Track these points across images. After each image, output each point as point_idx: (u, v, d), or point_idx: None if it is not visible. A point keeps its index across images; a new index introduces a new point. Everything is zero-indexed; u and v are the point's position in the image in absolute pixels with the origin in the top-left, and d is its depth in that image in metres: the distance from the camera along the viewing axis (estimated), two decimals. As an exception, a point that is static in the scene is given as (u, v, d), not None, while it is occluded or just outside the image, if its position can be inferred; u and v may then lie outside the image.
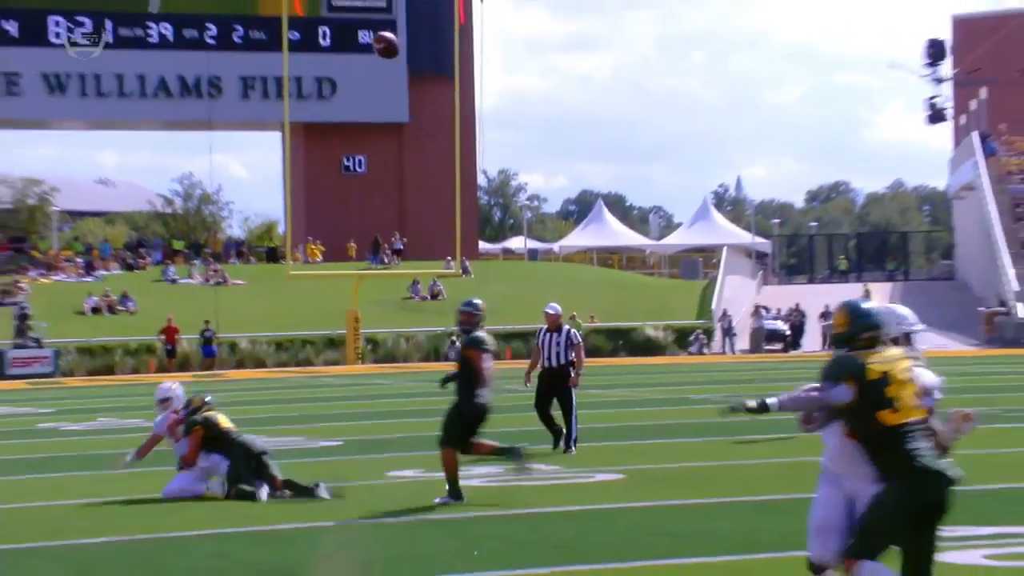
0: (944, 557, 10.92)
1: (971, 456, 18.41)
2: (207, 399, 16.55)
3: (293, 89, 64.34)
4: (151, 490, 16.09)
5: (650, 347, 59.92)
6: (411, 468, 18.47)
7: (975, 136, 73.45)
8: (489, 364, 15.23)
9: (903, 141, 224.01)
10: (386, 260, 70.83)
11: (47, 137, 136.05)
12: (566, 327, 20.39)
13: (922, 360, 7.89)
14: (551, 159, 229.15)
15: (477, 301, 15.61)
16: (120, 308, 60.06)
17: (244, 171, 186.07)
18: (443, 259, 65.70)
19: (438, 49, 69.42)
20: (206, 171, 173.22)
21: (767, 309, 64.35)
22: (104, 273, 67.38)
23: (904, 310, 8.21)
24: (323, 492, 15.49)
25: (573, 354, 20.04)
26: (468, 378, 15.29)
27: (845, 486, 7.65)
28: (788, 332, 60.74)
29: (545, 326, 20.32)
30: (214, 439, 16.01)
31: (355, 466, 18.92)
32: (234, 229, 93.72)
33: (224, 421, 16.26)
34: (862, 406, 7.37)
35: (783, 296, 70.17)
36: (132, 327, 57.31)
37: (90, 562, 12.19)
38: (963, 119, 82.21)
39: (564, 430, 19.62)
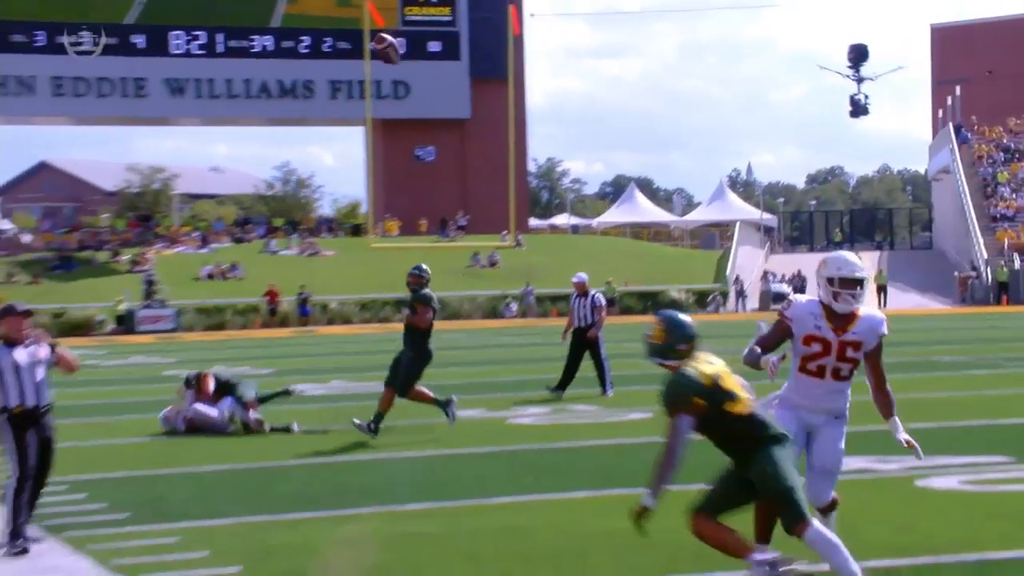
0: (925, 483, 10.88)
1: (949, 398, 18.32)
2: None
3: (374, 91, 64.35)
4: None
5: (674, 307, 59.78)
6: (472, 408, 18.51)
7: (950, 127, 73.52)
8: (430, 316, 15.58)
9: (889, 132, 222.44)
10: (451, 234, 70.93)
11: (169, 132, 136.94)
12: (592, 292, 20.56)
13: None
14: (590, 149, 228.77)
15: (424, 266, 16.04)
16: (230, 275, 60.39)
17: (332, 160, 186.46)
18: (499, 233, 65.79)
19: (495, 56, 69.40)
20: (301, 160, 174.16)
21: (774, 274, 64.31)
22: (216, 246, 67.73)
23: (852, 256, 7.57)
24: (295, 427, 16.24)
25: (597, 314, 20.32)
26: (416, 330, 15.60)
27: (802, 417, 7.51)
28: (790, 296, 60.48)
29: (576, 292, 20.59)
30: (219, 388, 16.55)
31: (417, 408, 18.95)
32: (324, 208, 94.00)
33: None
34: (713, 411, 6.88)
35: (787, 263, 70.02)
36: (240, 291, 57.66)
37: (209, 485, 12.31)
38: (940, 113, 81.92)
39: (597, 376, 19.79)
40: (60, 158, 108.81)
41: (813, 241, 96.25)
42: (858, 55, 55.16)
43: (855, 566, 6.83)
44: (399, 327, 16.45)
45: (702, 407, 6.85)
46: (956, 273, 63.65)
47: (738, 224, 76.71)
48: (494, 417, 17.42)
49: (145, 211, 78.51)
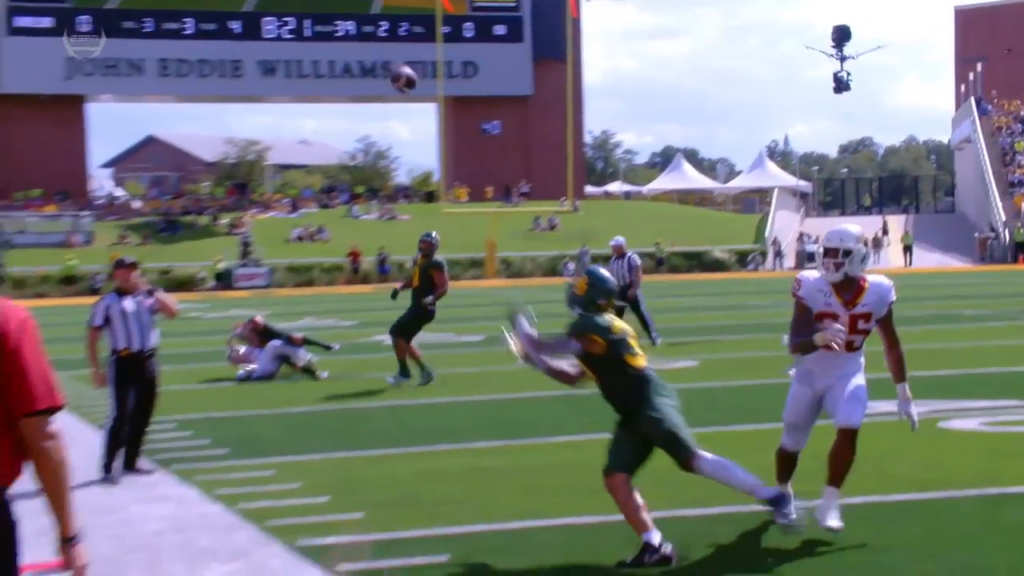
0: (947, 424, 10.78)
1: (970, 347, 18.13)
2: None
3: (445, 71, 64.24)
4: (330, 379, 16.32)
5: (717, 266, 59.51)
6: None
7: (972, 100, 72.58)
8: (447, 278, 15.89)
9: (915, 105, 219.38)
10: (515, 200, 70.83)
11: (262, 109, 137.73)
12: (628, 253, 20.37)
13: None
14: (640, 122, 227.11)
15: (434, 233, 16.08)
16: (317, 237, 60.73)
17: (408, 133, 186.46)
18: (558, 199, 65.66)
19: (555, 38, 69.18)
20: (380, 133, 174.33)
21: (808, 236, 63.66)
22: (305, 211, 68.07)
23: (850, 228, 7.09)
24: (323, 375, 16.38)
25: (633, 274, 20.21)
26: (428, 291, 15.74)
27: (816, 384, 6.99)
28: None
29: (614, 254, 20.48)
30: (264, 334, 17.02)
31: (493, 356, 19.00)
32: (401, 177, 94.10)
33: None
34: (612, 355, 6.81)
35: (821, 226, 69.27)
36: (326, 251, 58.00)
37: (300, 424, 12.43)
38: (963, 87, 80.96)
39: (643, 329, 19.76)
40: (166, 132, 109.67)
41: (845, 205, 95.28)
42: (841, 35, 54.60)
43: (751, 478, 6.81)
44: (469, 283, 16.55)
45: (600, 345, 6.80)
46: (976, 234, 63.03)
47: (776, 190, 76.10)
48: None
49: (241, 180, 78.96)
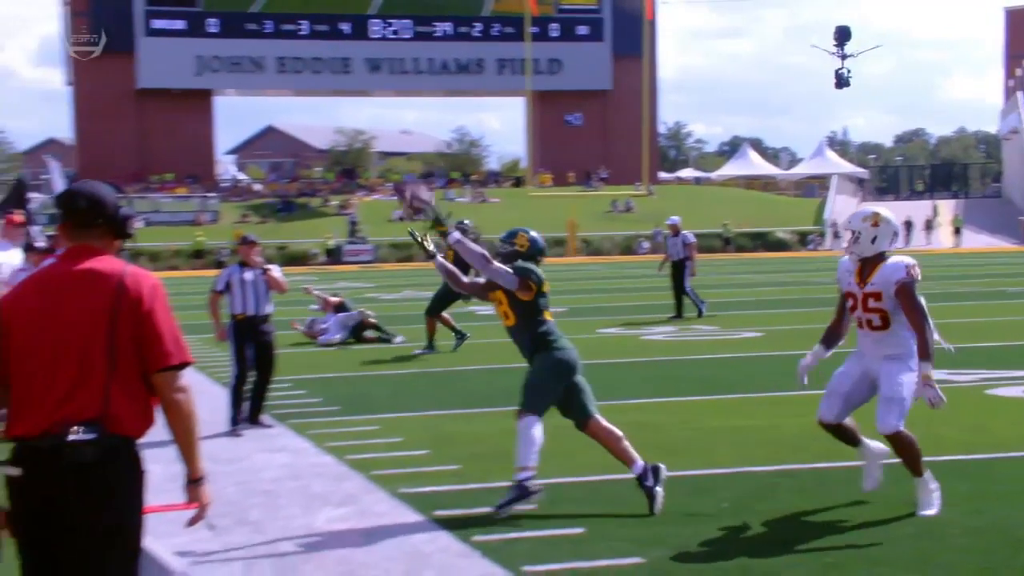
0: (993, 391, 10.57)
1: (1014, 321, 17.73)
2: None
3: (533, 67, 64.11)
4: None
5: (780, 245, 58.77)
6: (615, 327, 18.50)
7: (1019, 94, 70.83)
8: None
9: (966, 98, 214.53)
10: (594, 185, 70.57)
11: (368, 102, 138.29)
12: (683, 233, 20.13)
13: None
14: (710, 114, 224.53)
15: (467, 221, 15.90)
16: (416, 218, 60.91)
17: (498, 124, 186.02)
18: (634, 184, 65.26)
19: (632, 37, 68.65)
20: (473, 124, 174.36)
21: (864, 218, 62.59)
22: (406, 194, 68.36)
23: (872, 210, 6.82)
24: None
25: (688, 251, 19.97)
26: (461, 270, 15.56)
27: (864, 363, 6.63)
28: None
29: (671, 232, 20.28)
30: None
31: (575, 325, 19.00)
32: (492, 164, 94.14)
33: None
34: (535, 303, 7.07)
35: (876, 209, 68.07)
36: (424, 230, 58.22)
37: (403, 384, 12.51)
38: (1011, 82, 79.05)
39: (680, 305, 19.50)
40: (283, 123, 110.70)
41: (898, 191, 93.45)
42: (842, 35, 53.56)
43: (533, 459, 6.82)
44: (551, 261, 16.51)
45: (531, 292, 7.00)
46: (1021, 218, 61.62)
47: (834, 176, 74.94)
48: (629, 334, 17.38)
49: (349, 166, 79.52)
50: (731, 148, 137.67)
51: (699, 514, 6.61)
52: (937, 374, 6.59)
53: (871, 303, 6.48)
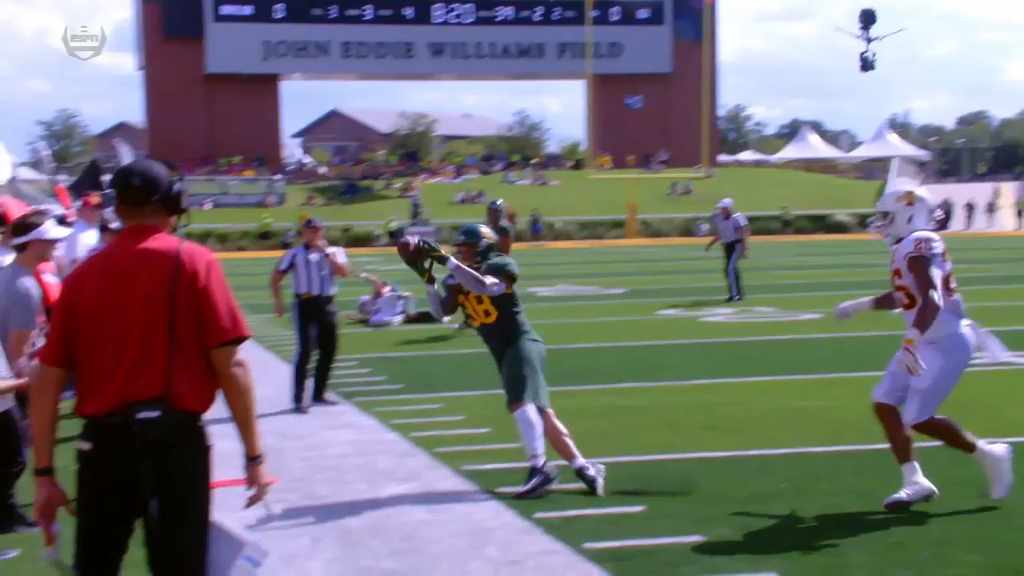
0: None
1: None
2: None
3: (593, 51, 63.84)
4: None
5: (840, 228, 58.09)
6: (674, 308, 18.39)
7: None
8: (509, 242, 15.55)
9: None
10: (654, 167, 70.14)
11: (430, 86, 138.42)
12: (735, 215, 19.92)
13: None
14: (770, 96, 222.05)
15: (499, 201, 16.27)
16: (477, 200, 60.99)
17: (558, 107, 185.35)
18: (693, 166, 64.81)
19: (693, 21, 68.21)
20: (534, 107, 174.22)
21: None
22: (467, 176, 68.52)
23: (907, 188, 6.54)
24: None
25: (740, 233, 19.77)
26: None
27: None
28: (941, 216, 58.11)
29: (721, 214, 20.08)
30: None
31: (634, 307, 18.94)
32: (552, 147, 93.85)
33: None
34: (515, 293, 7.18)
35: (937, 191, 66.99)
36: (483, 213, 58.15)
37: (464, 364, 12.53)
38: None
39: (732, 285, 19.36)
40: (347, 106, 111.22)
41: (960, 173, 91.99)
42: (867, 19, 52.53)
43: (540, 444, 6.74)
44: (611, 243, 16.50)
45: (512, 282, 7.15)
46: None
47: (895, 159, 73.83)
48: (689, 316, 17.28)
49: (412, 149, 79.76)
50: (791, 131, 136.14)
51: (759, 494, 6.57)
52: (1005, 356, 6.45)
53: (896, 281, 6.33)
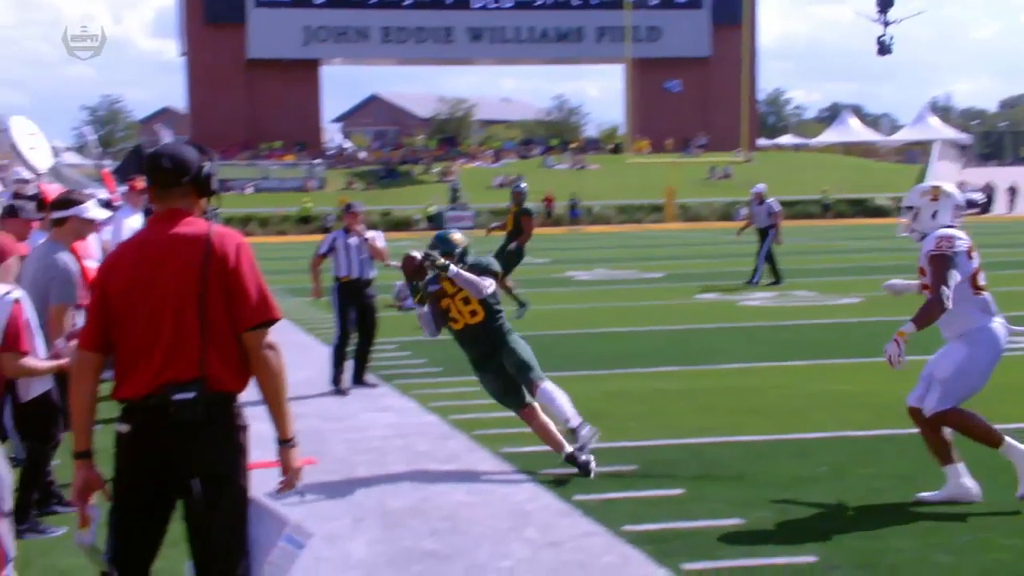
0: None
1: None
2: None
3: (632, 35, 63.57)
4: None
5: (880, 212, 57.54)
6: (713, 292, 18.32)
7: None
8: (532, 226, 15.73)
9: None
10: (693, 151, 69.75)
11: (469, 70, 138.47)
12: (769, 200, 19.75)
13: None
14: (810, 80, 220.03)
15: (523, 184, 16.31)
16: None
17: (597, 92, 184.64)
18: (732, 150, 64.42)
19: (732, 4, 67.73)
20: (572, 92, 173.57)
21: (967, 184, 60.98)
22: (506, 161, 68.45)
23: (934, 184, 6.28)
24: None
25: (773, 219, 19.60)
26: (518, 234, 15.62)
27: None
28: (983, 200, 57.42)
29: (755, 200, 19.92)
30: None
31: (673, 291, 18.88)
32: (590, 131, 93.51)
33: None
34: (495, 295, 7.22)
35: (979, 175, 66.29)
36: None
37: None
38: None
39: (754, 268, 19.25)
40: (386, 91, 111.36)
41: (1002, 156, 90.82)
42: (884, 3, 51.88)
43: (570, 410, 6.90)
44: (650, 227, 16.49)
45: (497, 279, 7.25)
46: None
47: (937, 142, 72.99)
48: (727, 300, 17.20)
49: (451, 134, 79.79)
50: (831, 114, 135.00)
51: (799, 477, 6.54)
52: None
53: (922, 279, 6.14)
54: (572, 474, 6.73)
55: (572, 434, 6.89)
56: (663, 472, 6.73)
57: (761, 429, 7.90)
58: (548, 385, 7.01)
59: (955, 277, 5.90)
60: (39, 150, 9.62)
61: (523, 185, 16.19)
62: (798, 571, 4.99)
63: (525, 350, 7.16)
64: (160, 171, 3.63)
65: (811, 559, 5.13)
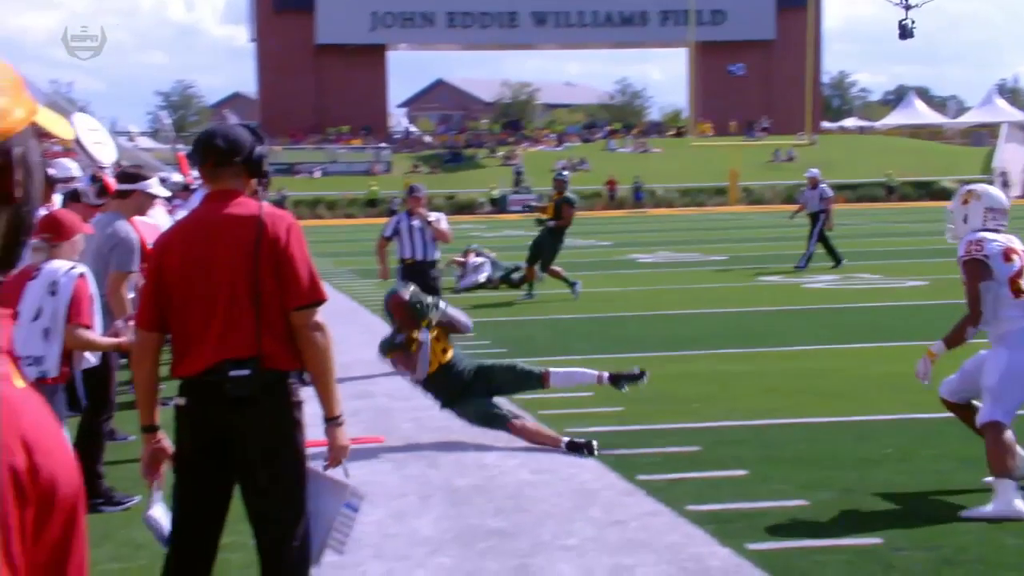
0: None
1: None
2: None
3: (696, 18, 62.91)
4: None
5: (946, 195, 56.43)
6: (776, 275, 18.15)
7: None
8: (572, 214, 15.70)
9: None
10: (756, 134, 69.04)
11: (533, 55, 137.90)
12: (822, 185, 19.43)
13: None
14: (875, 62, 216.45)
15: (565, 172, 16.07)
16: (579, 168, 60.81)
17: (660, 75, 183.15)
18: (796, 133, 63.63)
19: (796, -14, 66.83)
20: (636, 76, 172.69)
21: (1035, 168, 59.66)
22: (569, 145, 68.23)
23: (968, 187, 5.97)
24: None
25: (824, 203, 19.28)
26: (558, 220, 15.57)
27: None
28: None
29: (808, 185, 19.62)
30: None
31: (735, 274, 18.74)
32: (653, 115, 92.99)
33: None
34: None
35: (1048, 158, 64.83)
36: (586, 180, 57.90)
37: (565, 329, 12.54)
38: None
39: (804, 251, 18.97)
40: (452, 76, 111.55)
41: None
42: None
43: (587, 371, 7.42)
44: (713, 210, 16.38)
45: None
46: None
47: (1005, 124, 71.49)
48: (790, 283, 17.03)
49: (515, 118, 79.74)
50: (896, 97, 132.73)
51: (863, 459, 6.47)
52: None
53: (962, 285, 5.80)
54: (636, 454, 6.72)
55: (615, 384, 7.28)
56: (727, 453, 6.70)
57: (825, 411, 7.83)
58: (557, 372, 7.34)
59: (985, 288, 5.56)
60: (104, 145, 9.83)
61: (565, 173, 16.28)
62: (862, 553, 4.94)
63: (503, 361, 7.46)
64: (213, 150, 3.65)
65: (876, 541, 5.08)
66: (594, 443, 6.81)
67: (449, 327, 7.28)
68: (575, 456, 6.75)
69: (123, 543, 5.34)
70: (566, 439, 6.91)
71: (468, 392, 7.24)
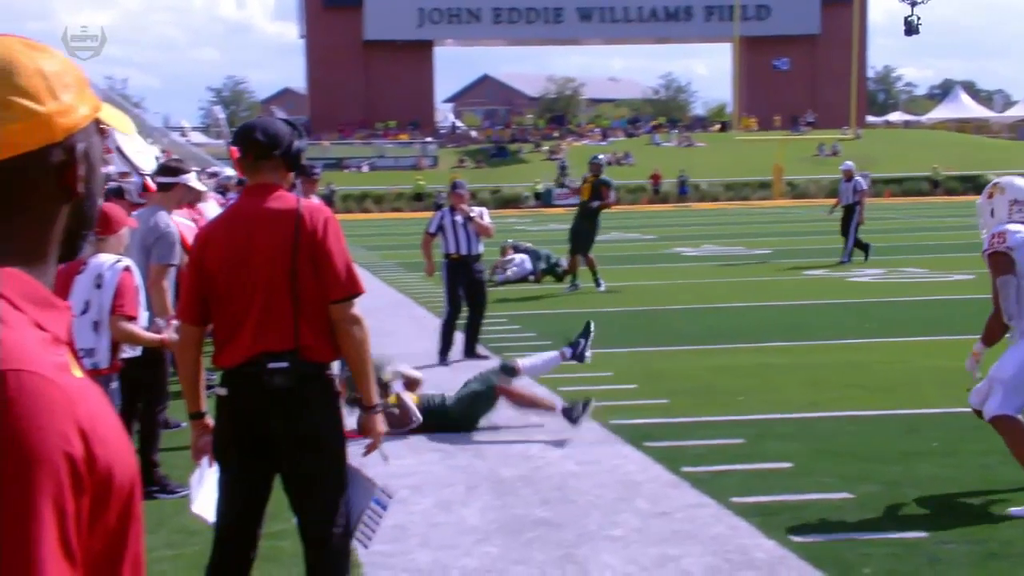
0: None
1: None
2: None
3: (740, 14, 62.47)
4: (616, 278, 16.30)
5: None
6: (821, 268, 18.00)
7: None
8: (615, 195, 15.65)
9: None
10: (801, 129, 68.44)
11: (578, 50, 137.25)
12: (856, 178, 19.17)
13: None
14: (921, 57, 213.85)
15: (600, 156, 16.09)
16: (624, 162, 60.64)
17: (705, 70, 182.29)
18: (841, 128, 63.03)
19: (842, -19, 66.17)
20: (680, 70, 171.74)
21: (1083, 162, 58.65)
22: (613, 139, 68.05)
23: (995, 181, 5.88)
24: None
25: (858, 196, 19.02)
26: (594, 208, 15.43)
27: None
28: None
29: (843, 178, 19.35)
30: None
31: (780, 267, 18.60)
32: (698, 109, 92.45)
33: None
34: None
35: (1096, 152, 63.72)
36: (631, 174, 57.79)
37: (608, 322, 12.50)
38: None
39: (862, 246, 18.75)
40: (497, 71, 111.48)
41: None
42: None
43: (552, 353, 7.90)
44: (757, 204, 16.25)
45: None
46: None
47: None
48: (835, 276, 16.88)
49: (559, 113, 79.60)
50: (942, 91, 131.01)
51: (909, 453, 6.41)
52: None
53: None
54: (681, 446, 6.69)
55: (580, 358, 7.77)
56: (772, 446, 6.65)
57: (870, 404, 7.75)
58: (519, 360, 7.71)
59: (1009, 282, 5.42)
60: (143, 153, 10.01)
61: (600, 156, 16.32)
62: (907, 546, 4.89)
63: (466, 389, 7.58)
64: (253, 143, 3.66)
65: (921, 535, 5.02)
66: (592, 400, 7.10)
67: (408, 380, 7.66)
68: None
69: (176, 530, 5.39)
70: (560, 405, 7.16)
71: (448, 412, 7.42)
